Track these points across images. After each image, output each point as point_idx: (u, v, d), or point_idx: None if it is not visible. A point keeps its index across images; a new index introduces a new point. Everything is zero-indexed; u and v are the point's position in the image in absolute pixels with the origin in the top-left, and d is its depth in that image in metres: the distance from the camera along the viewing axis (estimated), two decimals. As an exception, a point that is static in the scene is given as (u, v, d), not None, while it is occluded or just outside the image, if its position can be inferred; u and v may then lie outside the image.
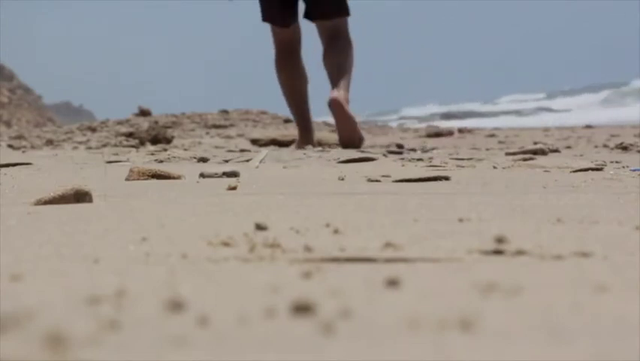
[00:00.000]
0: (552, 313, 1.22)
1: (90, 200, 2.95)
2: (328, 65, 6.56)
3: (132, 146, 8.69)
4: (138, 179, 4.06)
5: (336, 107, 6.07)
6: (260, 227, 2.09)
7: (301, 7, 7.00)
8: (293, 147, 7.19)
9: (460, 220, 2.26)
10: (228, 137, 12.41)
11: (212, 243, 1.90)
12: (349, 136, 6.16)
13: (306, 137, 6.99)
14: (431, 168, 5.09)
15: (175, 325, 1.16)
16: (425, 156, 6.85)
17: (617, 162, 5.77)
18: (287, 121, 16.11)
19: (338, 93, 6.18)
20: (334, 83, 6.37)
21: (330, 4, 6.73)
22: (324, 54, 6.76)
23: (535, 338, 1.09)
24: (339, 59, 6.58)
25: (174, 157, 6.38)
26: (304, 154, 7.01)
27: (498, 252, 1.77)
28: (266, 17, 6.91)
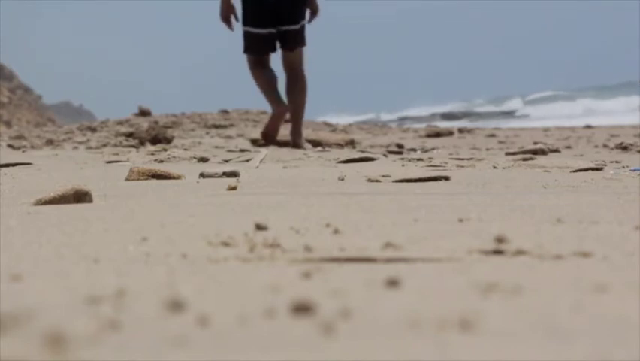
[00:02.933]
0: (552, 313, 1.22)
1: (90, 200, 2.95)
2: (289, 103, 8.80)
3: (132, 146, 8.70)
4: (138, 179, 4.06)
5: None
6: (260, 227, 2.09)
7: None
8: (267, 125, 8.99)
9: (460, 220, 2.26)
10: (228, 137, 12.41)
11: (212, 243, 1.90)
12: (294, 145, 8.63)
13: (282, 110, 8.78)
14: (431, 168, 5.09)
15: (175, 325, 1.16)
16: (425, 156, 6.85)
17: (617, 162, 5.78)
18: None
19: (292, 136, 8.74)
20: (292, 121, 8.87)
21: (292, 41, 8.76)
22: (287, 90, 8.87)
23: (535, 338, 1.09)
24: (297, 101, 8.81)
25: (174, 157, 6.38)
26: (304, 154, 7.02)
27: (498, 252, 1.77)
28: (246, 50, 8.85)
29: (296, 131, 8.78)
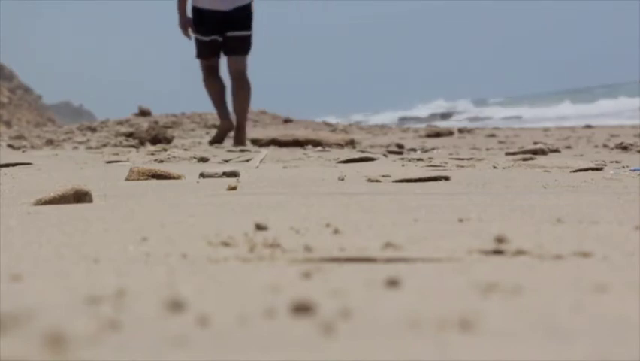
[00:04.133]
0: (552, 313, 1.22)
1: (90, 200, 2.95)
2: (234, 107, 9.57)
3: (132, 146, 8.70)
4: (138, 179, 4.06)
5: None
6: (260, 227, 2.09)
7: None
8: (219, 133, 9.76)
9: (460, 220, 2.26)
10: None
11: (212, 243, 1.90)
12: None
13: (227, 124, 9.57)
14: (431, 168, 5.10)
15: (175, 325, 1.16)
16: (425, 156, 6.85)
17: (617, 162, 5.78)
18: (287, 121, 16.13)
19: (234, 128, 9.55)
20: (237, 122, 9.57)
21: (239, 47, 9.47)
22: (232, 94, 9.56)
23: (535, 338, 1.09)
24: (242, 106, 9.51)
25: (174, 157, 6.38)
26: (304, 154, 7.02)
27: (498, 252, 1.77)
28: (198, 55, 9.60)
29: (240, 133, 9.39)
